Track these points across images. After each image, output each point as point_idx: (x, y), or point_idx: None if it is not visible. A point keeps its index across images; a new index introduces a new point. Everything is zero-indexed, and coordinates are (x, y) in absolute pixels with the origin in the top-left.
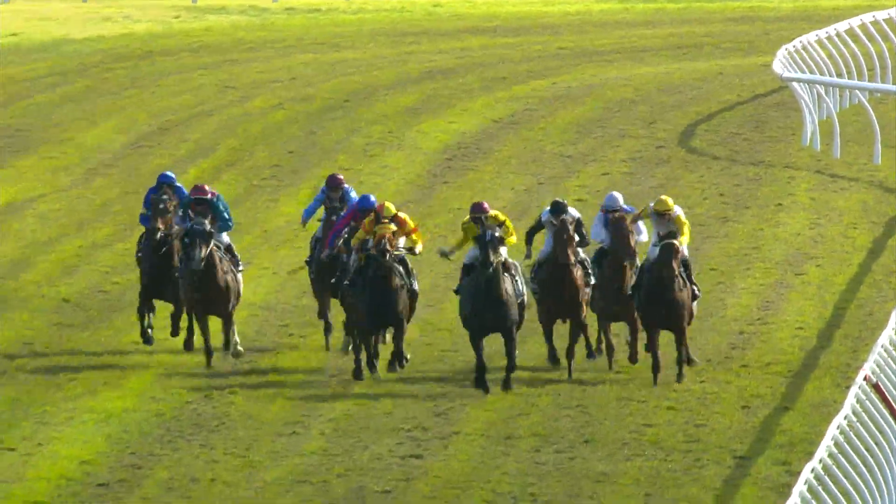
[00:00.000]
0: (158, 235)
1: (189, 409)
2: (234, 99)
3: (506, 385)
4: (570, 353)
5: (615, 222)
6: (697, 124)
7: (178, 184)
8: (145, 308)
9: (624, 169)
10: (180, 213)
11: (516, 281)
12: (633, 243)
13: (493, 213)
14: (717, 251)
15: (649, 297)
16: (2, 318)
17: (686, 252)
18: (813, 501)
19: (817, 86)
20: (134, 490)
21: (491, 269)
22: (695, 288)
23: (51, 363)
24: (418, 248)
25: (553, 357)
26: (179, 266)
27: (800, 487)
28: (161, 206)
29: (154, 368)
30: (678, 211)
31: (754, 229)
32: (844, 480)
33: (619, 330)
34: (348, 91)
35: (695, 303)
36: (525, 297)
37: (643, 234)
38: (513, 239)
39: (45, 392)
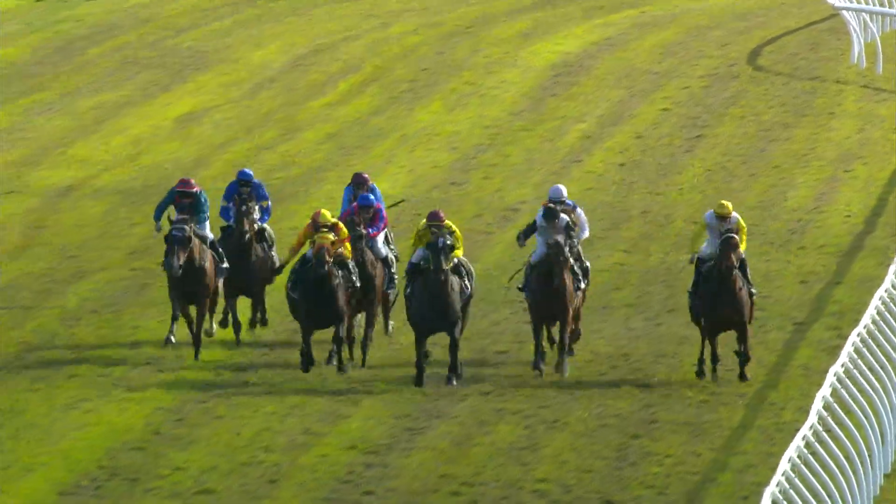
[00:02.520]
0: (247, 238)
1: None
2: (376, 25)
3: (449, 380)
4: (561, 346)
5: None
6: (763, 46)
7: (257, 180)
8: (231, 303)
9: (701, 83)
10: (259, 208)
11: (465, 280)
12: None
13: (447, 222)
14: (779, 152)
15: (709, 294)
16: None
17: (742, 253)
18: (859, 361)
19: (863, 13)
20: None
21: (443, 277)
22: (752, 289)
23: None
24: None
25: (537, 363)
26: (166, 259)
27: (848, 349)
28: (244, 207)
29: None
30: (737, 216)
31: (810, 133)
32: (886, 344)
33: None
34: (472, 18)
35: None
36: (471, 292)
37: (585, 231)
38: (459, 252)
39: None
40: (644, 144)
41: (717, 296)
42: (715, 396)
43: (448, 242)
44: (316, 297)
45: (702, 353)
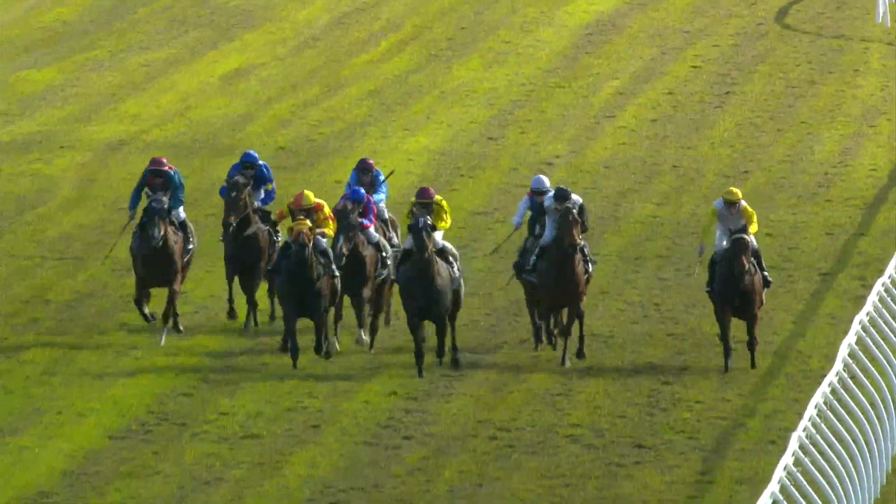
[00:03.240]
0: (231, 229)
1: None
2: None
3: (455, 363)
4: (565, 332)
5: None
6: (790, 5)
7: (262, 162)
8: (232, 290)
9: (731, 42)
10: (233, 189)
11: (452, 268)
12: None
13: (437, 197)
14: (806, 108)
15: (722, 288)
16: (229, 163)
17: (755, 242)
18: (884, 309)
19: None
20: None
21: (426, 256)
22: (766, 275)
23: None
24: (328, 236)
25: (538, 338)
26: (133, 242)
27: (873, 298)
28: (234, 193)
29: None
30: (744, 202)
31: (836, 90)
32: None
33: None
34: None
35: (766, 290)
36: (462, 284)
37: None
38: (446, 224)
39: None
40: (675, 101)
41: (729, 287)
42: (744, 345)
43: (428, 222)
44: (298, 282)
45: (725, 343)
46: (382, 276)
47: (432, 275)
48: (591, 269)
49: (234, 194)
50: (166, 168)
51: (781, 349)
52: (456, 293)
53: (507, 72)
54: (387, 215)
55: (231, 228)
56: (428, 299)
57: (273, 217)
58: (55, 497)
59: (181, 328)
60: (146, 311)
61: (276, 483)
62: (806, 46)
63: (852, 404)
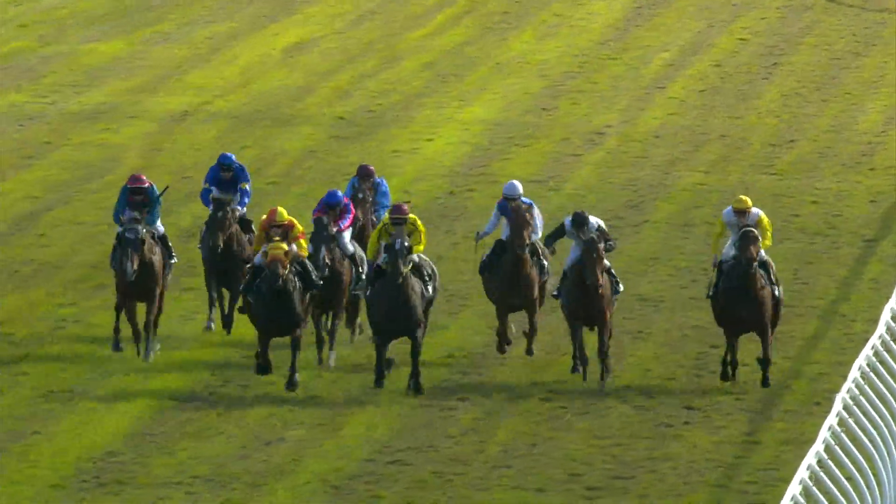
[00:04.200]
0: (219, 251)
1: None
2: None
3: (417, 389)
4: (601, 353)
5: (514, 210)
6: None
7: (238, 163)
8: (212, 299)
9: (777, 14)
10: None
11: (427, 284)
12: (528, 235)
13: (411, 216)
14: (850, 79)
15: (727, 293)
16: (289, 133)
17: (765, 255)
18: None
19: None
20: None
21: (400, 280)
22: (775, 289)
23: (334, 166)
24: (303, 258)
25: (575, 367)
26: (113, 256)
27: None
28: (220, 213)
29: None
30: (758, 211)
31: (880, 62)
32: None
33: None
34: None
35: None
36: (434, 297)
37: (539, 231)
38: (421, 247)
39: None
40: (723, 72)
41: (736, 295)
42: (789, 308)
43: (406, 244)
44: (273, 307)
45: (726, 354)
46: (357, 294)
47: (406, 294)
48: (620, 289)
49: (220, 214)
50: (146, 185)
51: (826, 313)
52: (426, 310)
53: (560, 44)
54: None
55: (219, 249)
56: (399, 317)
57: (255, 237)
58: (121, 456)
59: (157, 349)
60: (115, 331)
61: (335, 443)
62: (850, 19)
63: (895, 366)
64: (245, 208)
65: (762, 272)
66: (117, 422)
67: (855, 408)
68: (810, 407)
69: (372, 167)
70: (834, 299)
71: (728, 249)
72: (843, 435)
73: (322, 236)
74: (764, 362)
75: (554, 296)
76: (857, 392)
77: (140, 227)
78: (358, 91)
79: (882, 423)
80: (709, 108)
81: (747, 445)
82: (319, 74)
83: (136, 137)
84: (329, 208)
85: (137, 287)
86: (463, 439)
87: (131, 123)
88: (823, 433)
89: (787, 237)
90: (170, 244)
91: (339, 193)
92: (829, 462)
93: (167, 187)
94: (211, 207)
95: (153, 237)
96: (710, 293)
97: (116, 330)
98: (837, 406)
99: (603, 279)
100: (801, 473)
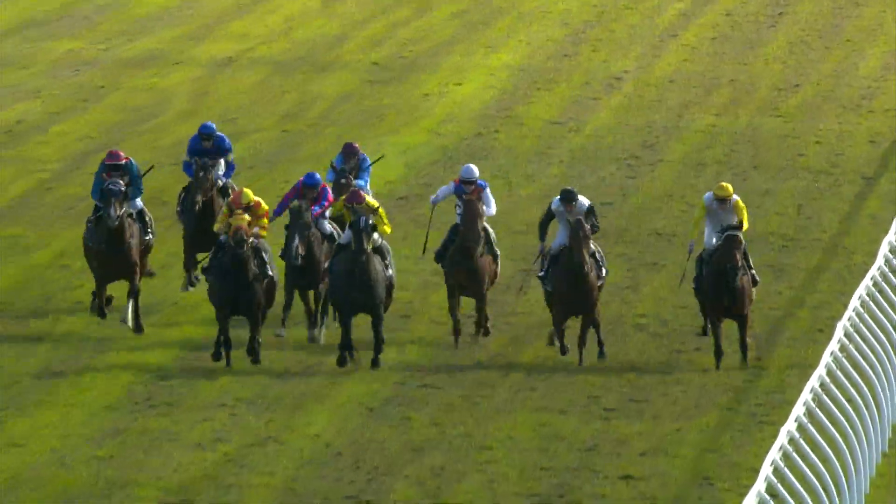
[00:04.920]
0: (197, 208)
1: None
2: None
3: (374, 364)
4: (581, 342)
5: (466, 203)
6: None
7: (219, 133)
8: (190, 261)
9: None
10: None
11: (387, 266)
12: (479, 228)
13: (368, 200)
14: (851, 27)
15: (711, 286)
16: (327, 78)
17: (743, 241)
18: None
19: None
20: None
21: (364, 257)
22: (754, 273)
23: (368, 109)
24: (263, 237)
25: (563, 349)
26: (87, 232)
27: None
28: (201, 174)
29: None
30: (736, 197)
31: (879, 12)
32: None
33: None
34: None
35: (754, 289)
36: (394, 281)
37: (491, 208)
38: (387, 228)
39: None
40: (733, 21)
41: (719, 289)
42: (794, 242)
43: (370, 222)
44: (233, 281)
45: (716, 338)
46: None
47: (369, 270)
48: (604, 275)
49: (201, 174)
50: (123, 161)
51: (828, 246)
52: (389, 287)
53: None
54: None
55: (197, 207)
56: (362, 293)
57: (220, 216)
58: (171, 380)
59: (142, 326)
60: (98, 302)
61: (368, 368)
62: None
63: (893, 296)
64: (229, 179)
65: (742, 265)
66: (168, 346)
67: (855, 335)
68: (814, 334)
69: (357, 144)
70: (836, 233)
71: (709, 239)
72: (843, 360)
73: (298, 224)
74: (743, 347)
75: (539, 277)
76: (857, 320)
77: (122, 182)
78: (391, 38)
79: (880, 349)
80: (719, 55)
81: (755, 370)
82: (355, 23)
83: (183, 82)
84: (307, 189)
85: (111, 267)
86: (490, 364)
87: (178, 69)
88: (826, 358)
89: (793, 175)
90: (147, 219)
91: (318, 176)
92: (831, 385)
93: (152, 167)
94: (193, 171)
95: (130, 216)
96: (695, 285)
97: (101, 300)
98: (839, 333)
99: (590, 264)
100: (805, 396)
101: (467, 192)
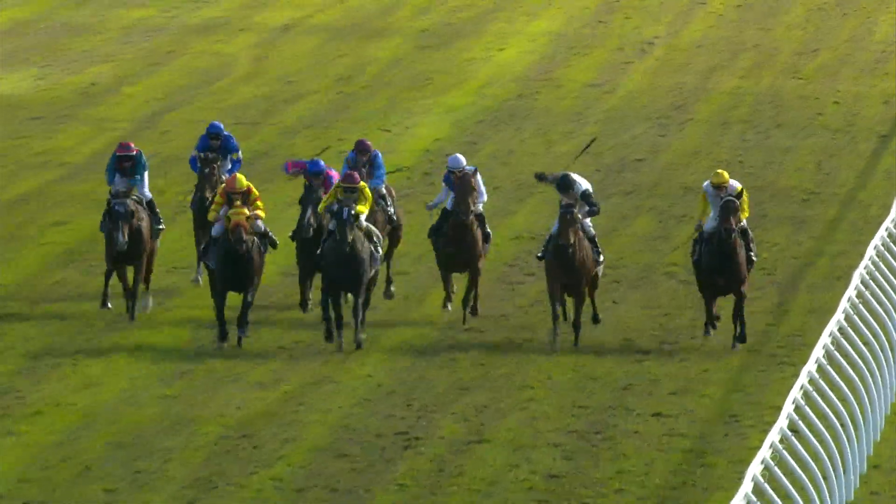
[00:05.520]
0: (208, 203)
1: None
2: None
3: (357, 343)
4: (576, 324)
5: (459, 179)
6: None
7: (227, 133)
8: (201, 248)
9: None
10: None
11: (375, 247)
12: (472, 203)
13: (361, 183)
14: None
15: (708, 260)
16: (379, 43)
17: (745, 222)
18: None
19: None
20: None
21: (348, 248)
22: (752, 254)
23: (417, 73)
24: (261, 219)
25: (551, 343)
26: (103, 224)
27: None
28: (207, 170)
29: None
30: (736, 183)
31: None
32: None
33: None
34: None
35: (750, 270)
36: (379, 262)
37: (483, 196)
38: (364, 207)
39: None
40: None
41: (715, 261)
42: (814, 195)
43: (353, 212)
44: (232, 269)
45: (708, 314)
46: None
47: (354, 254)
48: (601, 260)
49: (207, 170)
50: (133, 152)
51: (845, 200)
52: (374, 270)
53: None
54: (384, 189)
55: (207, 202)
56: (347, 274)
57: (213, 204)
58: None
59: (149, 306)
60: (104, 291)
61: (420, 312)
62: None
63: None
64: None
65: (741, 241)
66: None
67: (871, 282)
68: (832, 281)
69: (369, 141)
70: (852, 187)
71: (710, 222)
72: (860, 305)
73: (310, 199)
74: (741, 323)
75: (538, 257)
76: (872, 268)
77: (128, 201)
78: (438, 7)
79: (894, 295)
80: (744, 22)
81: (777, 314)
82: None
83: (244, 48)
84: (312, 177)
85: (126, 253)
86: (531, 309)
87: (241, 35)
88: (843, 304)
89: (812, 134)
90: (157, 210)
91: (322, 164)
92: (849, 329)
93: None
94: (198, 167)
95: (140, 203)
96: (695, 258)
97: (105, 293)
98: (855, 280)
99: (582, 245)
100: (824, 339)
101: (457, 175)
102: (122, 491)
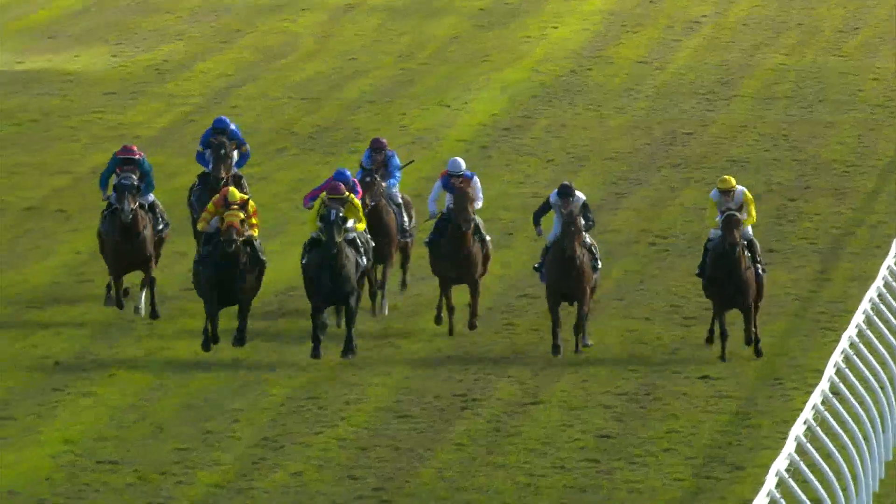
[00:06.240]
0: (221, 184)
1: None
2: None
3: (346, 352)
4: (577, 329)
5: (457, 189)
6: None
7: (233, 126)
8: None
9: None
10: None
11: (361, 256)
12: (471, 211)
13: (348, 195)
14: None
15: (713, 275)
16: (439, 22)
17: (751, 232)
18: None
19: None
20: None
21: (335, 250)
22: (758, 267)
23: (475, 50)
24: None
25: (556, 348)
26: (102, 224)
27: None
28: (223, 151)
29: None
30: (742, 189)
31: None
32: None
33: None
34: None
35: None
36: (367, 265)
37: (479, 200)
38: (361, 226)
39: None
40: None
41: (722, 276)
42: (854, 168)
43: (341, 214)
44: (223, 275)
45: (712, 324)
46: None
47: (341, 263)
48: (599, 266)
49: (222, 152)
50: (136, 156)
51: (884, 171)
52: (360, 280)
53: None
54: (400, 199)
55: (221, 184)
56: (334, 285)
57: (204, 213)
58: (296, 290)
59: (158, 313)
60: (116, 294)
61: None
62: None
63: None
64: (240, 168)
65: (747, 253)
66: (292, 263)
67: None
68: (872, 249)
69: (384, 140)
70: (891, 160)
71: (714, 231)
72: None
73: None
74: (749, 341)
75: (535, 268)
76: None
77: (134, 176)
78: None
79: None
80: (788, 1)
81: (819, 282)
82: None
83: (309, 26)
84: (333, 199)
85: (129, 258)
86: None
87: (306, 14)
88: (883, 271)
89: (853, 108)
90: (158, 211)
91: (348, 172)
92: (888, 296)
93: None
94: (209, 152)
95: (142, 207)
96: (699, 271)
97: (118, 291)
98: (894, 248)
99: (582, 254)
100: (864, 305)
101: (456, 183)
102: (193, 450)
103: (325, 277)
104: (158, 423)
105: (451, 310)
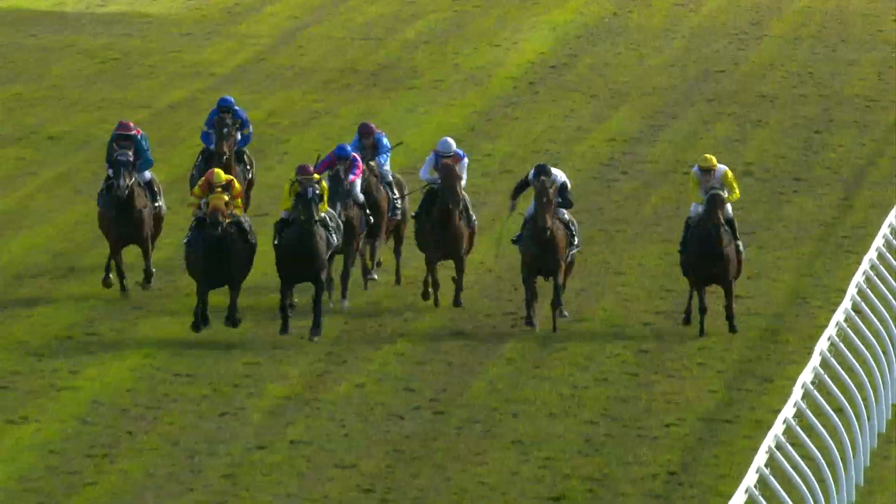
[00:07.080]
0: (224, 159)
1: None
2: None
3: (314, 332)
4: (554, 304)
5: (445, 168)
6: None
7: (238, 107)
8: None
9: None
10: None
11: (331, 234)
12: (460, 190)
13: (315, 175)
14: None
15: (696, 252)
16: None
17: (730, 210)
18: None
19: None
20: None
21: (312, 227)
22: (739, 244)
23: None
24: (243, 216)
25: (528, 320)
26: (99, 200)
27: None
28: (225, 129)
29: None
30: (724, 168)
31: None
32: None
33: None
34: None
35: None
36: (338, 245)
37: (464, 179)
38: (323, 206)
39: None
40: None
41: (703, 252)
42: (875, 102)
43: (317, 192)
44: (212, 257)
45: (689, 303)
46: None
47: (315, 241)
48: (577, 243)
49: (225, 130)
50: (133, 132)
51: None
52: (332, 256)
53: None
54: (391, 178)
55: (224, 158)
56: (306, 262)
57: (191, 198)
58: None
59: (151, 282)
60: (114, 271)
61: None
62: None
63: None
64: (245, 146)
65: (727, 229)
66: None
67: None
68: (892, 178)
69: (372, 124)
70: None
71: (695, 207)
72: None
73: (338, 193)
74: (729, 314)
75: (513, 241)
76: None
77: (129, 151)
78: None
79: None
80: None
81: (843, 208)
82: None
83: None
84: (339, 160)
85: (123, 232)
86: (625, 203)
87: None
88: None
89: (874, 47)
90: (156, 189)
91: (348, 147)
92: None
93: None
94: (211, 134)
95: (139, 185)
96: (680, 248)
97: (119, 272)
98: None
99: (556, 228)
100: (884, 230)
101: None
102: (263, 364)
103: (297, 254)
104: (230, 340)
105: (436, 285)
